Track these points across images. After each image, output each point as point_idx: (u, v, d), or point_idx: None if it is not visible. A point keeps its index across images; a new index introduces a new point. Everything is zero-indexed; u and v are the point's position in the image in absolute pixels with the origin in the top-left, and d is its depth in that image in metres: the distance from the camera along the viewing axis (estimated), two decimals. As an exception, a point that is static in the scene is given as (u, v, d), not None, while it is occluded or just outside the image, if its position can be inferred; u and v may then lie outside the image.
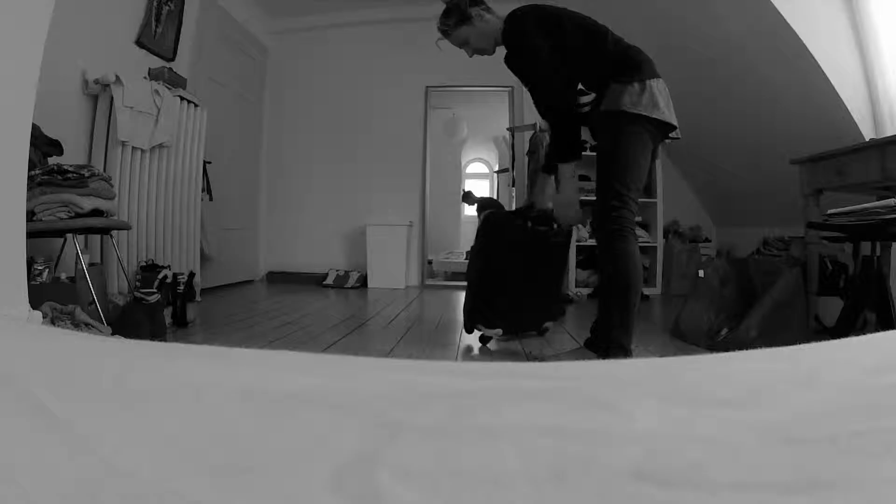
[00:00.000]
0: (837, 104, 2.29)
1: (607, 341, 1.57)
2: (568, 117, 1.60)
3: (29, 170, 1.51)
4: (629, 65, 1.58)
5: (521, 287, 1.97)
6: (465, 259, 4.59)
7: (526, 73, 1.68)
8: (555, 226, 1.99)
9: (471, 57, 1.87)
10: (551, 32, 1.61)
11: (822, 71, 2.25)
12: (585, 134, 1.91)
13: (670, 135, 1.64)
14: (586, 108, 1.73)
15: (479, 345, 2.05)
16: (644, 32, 3.05)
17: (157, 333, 2.00)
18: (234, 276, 4.10)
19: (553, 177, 2.01)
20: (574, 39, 1.62)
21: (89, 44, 2.56)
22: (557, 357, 1.81)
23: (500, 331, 1.97)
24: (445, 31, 1.79)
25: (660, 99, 1.54)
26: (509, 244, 1.96)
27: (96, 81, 2.52)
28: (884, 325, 1.87)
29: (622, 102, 1.53)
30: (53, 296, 1.69)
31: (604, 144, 1.58)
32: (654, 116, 1.53)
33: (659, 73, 1.60)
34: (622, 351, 1.57)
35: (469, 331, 2.08)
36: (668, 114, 1.55)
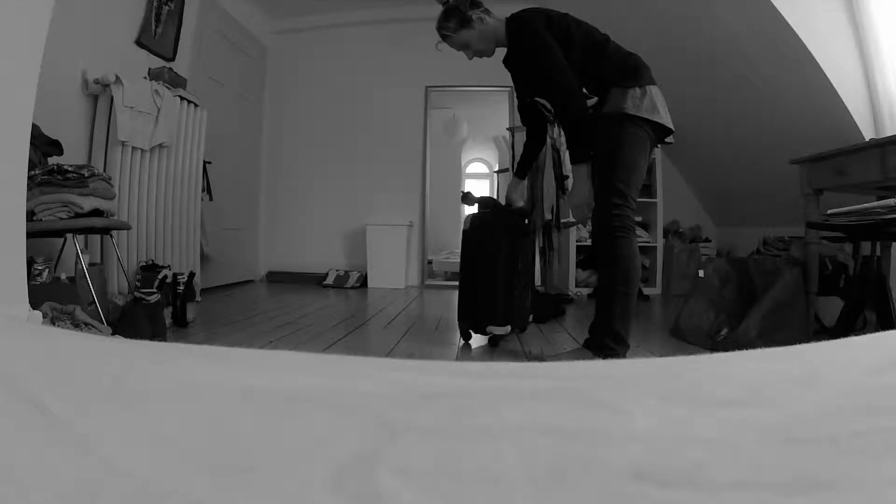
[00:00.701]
0: (837, 104, 2.29)
1: (607, 333, 1.59)
2: (584, 116, 1.60)
3: (29, 170, 1.51)
4: (629, 71, 1.63)
5: (516, 283, 2.00)
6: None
7: (540, 75, 1.66)
8: (526, 221, 2.10)
9: (470, 59, 1.87)
10: (560, 36, 1.63)
11: (822, 71, 2.25)
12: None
13: (666, 139, 1.70)
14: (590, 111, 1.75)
15: (485, 345, 2.04)
16: (644, 32, 3.05)
17: (157, 333, 2.00)
18: (234, 276, 4.10)
19: (524, 180, 2.19)
20: (580, 45, 1.64)
21: (89, 44, 2.56)
22: (557, 357, 1.81)
23: (508, 328, 1.99)
24: (446, 36, 1.79)
25: (658, 104, 1.61)
26: (506, 242, 1.98)
27: (96, 81, 2.52)
28: (884, 325, 1.87)
29: (625, 105, 1.57)
30: (53, 296, 1.69)
31: (606, 145, 1.60)
32: (654, 120, 1.58)
33: (656, 80, 1.65)
34: (622, 342, 1.59)
35: (467, 337, 2.08)
36: (666, 118, 1.62)
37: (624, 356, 1.60)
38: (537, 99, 1.83)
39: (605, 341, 1.60)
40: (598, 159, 1.62)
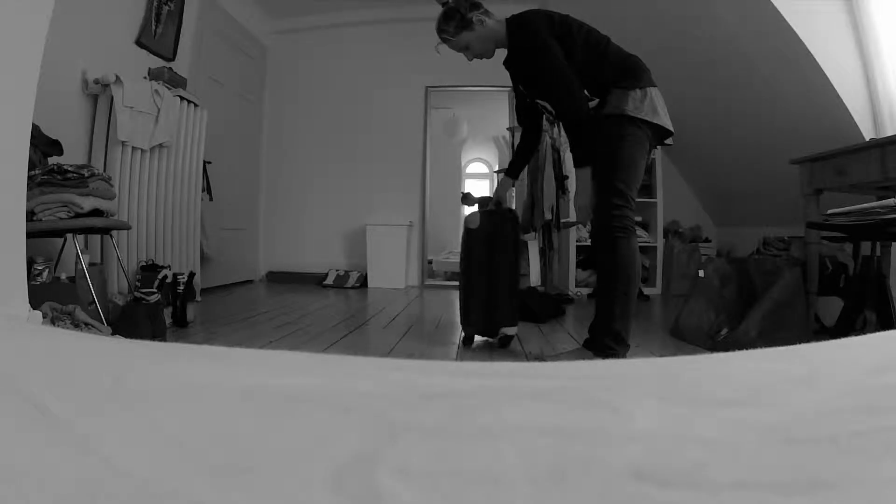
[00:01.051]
0: (837, 104, 2.29)
1: (607, 333, 1.59)
2: (587, 119, 1.61)
3: (29, 170, 1.51)
4: (630, 73, 1.63)
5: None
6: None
7: (541, 75, 1.66)
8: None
9: (470, 61, 1.86)
10: (562, 38, 1.63)
11: (822, 71, 2.25)
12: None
13: (665, 141, 1.71)
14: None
15: (494, 346, 2.04)
16: (644, 32, 3.05)
17: (157, 333, 2.00)
18: (234, 276, 4.10)
19: (515, 180, 2.15)
20: (581, 47, 1.64)
21: (89, 44, 2.56)
22: (557, 357, 1.81)
23: (517, 327, 2.01)
24: (445, 39, 1.78)
25: (658, 106, 1.61)
26: (515, 242, 1.99)
27: (96, 81, 2.52)
28: (884, 325, 1.87)
29: (626, 107, 1.58)
30: (53, 296, 1.68)
31: (606, 146, 1.60)
32: (654, 122, 1.59)
33: (655, 82, 1.66)
34: (622, 342, 1.60)
35: (470, 342, 2.06)
36: (666, 120, 1.63)
37: (624, 356, 1.60)
38: (538, 101, 1.82)
39: (606, 341, 1.60)
40: (598, 159, 1.62)
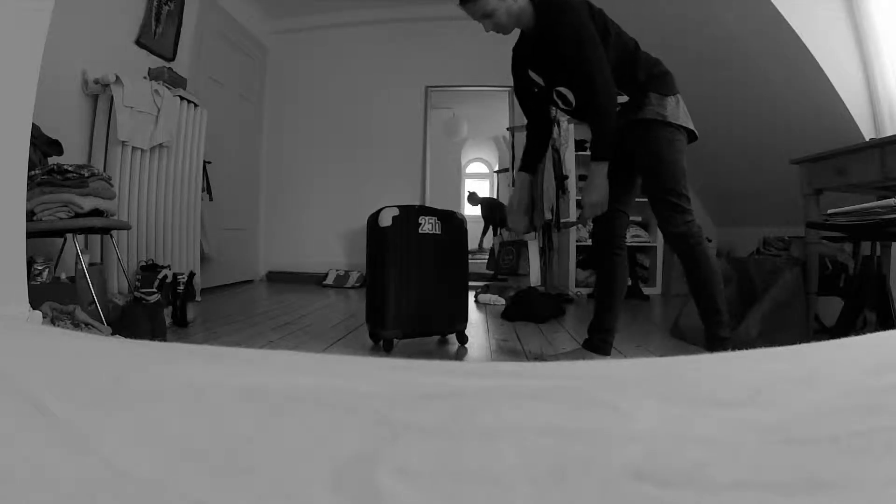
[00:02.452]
0: (837, 104, 2.29)
1: (720, 326, 1.61)
2: (614, 113, 1.57)
3: (29, 170, 1.51)
4: (664, 78, 1.63)
5: None
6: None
7: (583, 64, 1.55)
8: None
9: (487, 32, 1.73)
10: (599, 30, 1.58)
11: (822, 71, 2.25)
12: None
13: None
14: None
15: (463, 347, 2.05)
16: (644, 32, 3.04)
17: (157, 333, 2.00)
18: (234, 276, 4.10)
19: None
20: (614, 43, 1.60)
21: (89, 44, 2.56)
22: (557, 357, 1.81)
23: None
24: None
25: (686, 112, 1.64)
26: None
27: (96, 81, 2.52)
28: (884, 325, 1.87)
29: (667, 113, 1.59)
30: (53, 296, 1.69)
31: (658, 151, 1.60)
32: (690, 128, 1.63)
33: None
34: (727, 340, 1.61)
35: (465, 341, 2.07)
36: (692, 126, 1.66)
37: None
38: (559, 88, 1.71)
39: (720, 333, 1.60)
40: (649, 163, 1.61)
